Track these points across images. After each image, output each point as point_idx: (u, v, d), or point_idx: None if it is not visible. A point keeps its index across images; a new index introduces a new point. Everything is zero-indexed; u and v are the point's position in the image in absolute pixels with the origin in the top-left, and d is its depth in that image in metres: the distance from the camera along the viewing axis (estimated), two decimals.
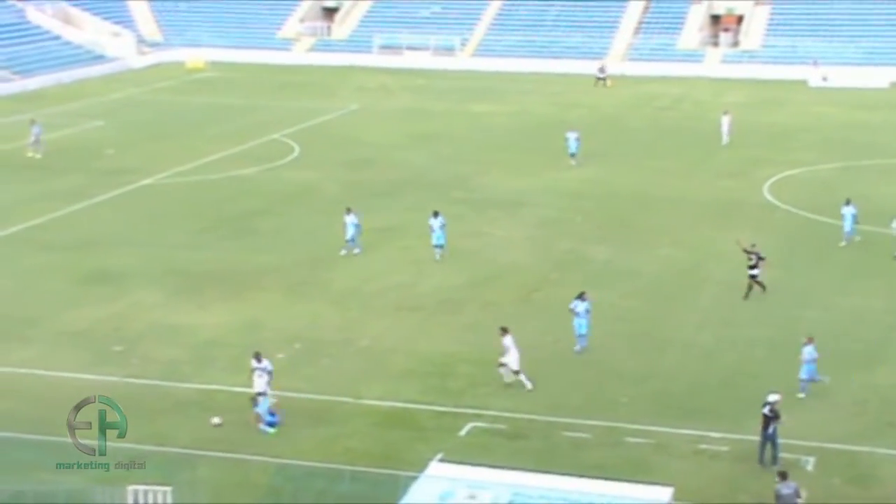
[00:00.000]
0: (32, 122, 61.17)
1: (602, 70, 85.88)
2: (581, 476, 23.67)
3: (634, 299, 37.86)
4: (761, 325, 35.69)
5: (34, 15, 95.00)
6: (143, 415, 29.22)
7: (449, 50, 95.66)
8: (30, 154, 59.29)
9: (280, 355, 33.19)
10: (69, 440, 26.64)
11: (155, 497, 23.86)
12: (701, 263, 41.97)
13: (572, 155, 57.57)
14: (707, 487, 25.50)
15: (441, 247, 42.28)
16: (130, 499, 23.89)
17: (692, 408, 29.76)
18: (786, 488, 23.48)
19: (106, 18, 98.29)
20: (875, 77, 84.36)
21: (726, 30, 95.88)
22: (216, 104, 77.06)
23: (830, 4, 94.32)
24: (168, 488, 23.95)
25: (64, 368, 32.34)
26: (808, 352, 30.26)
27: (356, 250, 42.55)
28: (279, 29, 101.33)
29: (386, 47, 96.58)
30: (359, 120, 71.71)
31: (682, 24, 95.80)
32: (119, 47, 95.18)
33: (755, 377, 31.00)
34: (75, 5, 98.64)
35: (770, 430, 26.53)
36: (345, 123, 70.64)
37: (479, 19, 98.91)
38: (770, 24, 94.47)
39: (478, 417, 29.19)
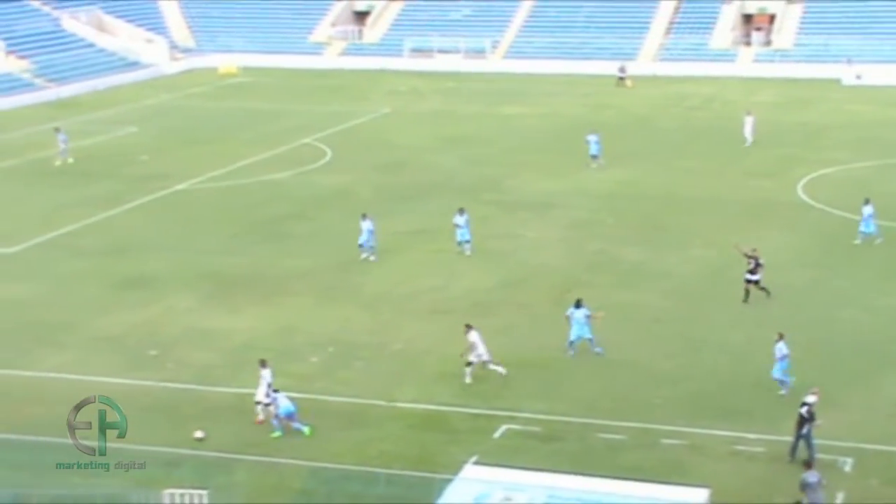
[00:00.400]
0: (57, 130, 61.53)
1: (622, 70, 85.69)
2: (616, 478, 23.60)
3: (667, 300, 37.72)
4: (796, 325, 35.40)
5: (69, 23, 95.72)
6: (179, 419, 29.44)
7: (479, 52, 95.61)
8: (58, 162, 59.63)
9: (313, 359, 33.34)
10: (107, 444, 26.88)
11: (191, 500, 23.99)
12: (733, 264, 41.63)
13: (593, 157, 57.43)
14: (744, 489, 25.38)
15: (467, 242, 42.91)
16: (167, 501, 24.03)
17: (727, 409, 29.62)
18: (811, 476, 23.78)
19: (139, 25, 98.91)
20: None
21: (758, 29, 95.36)
22: (248, 109, 77.38)
23: (864, 2, 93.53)
24: (204, 491, 24.09)
25: (99, 373, 32.54)
26: (779, 349, 30.25)
27: (371, 257, 42.41)
28: (310, 33, 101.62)
29: (417, 50, 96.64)
30: (390, 123, 71.83)
31: (713, 23, 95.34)
32: (152, 54, 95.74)
33: (790, 378, 30.78)
34: (109, 13, 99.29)
35: (805, 430, 26.39)
36: (376, 127, 70.77)
37: (509, 21, 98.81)
38: (802, 23, 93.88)
39: (512, 419, 29.17)
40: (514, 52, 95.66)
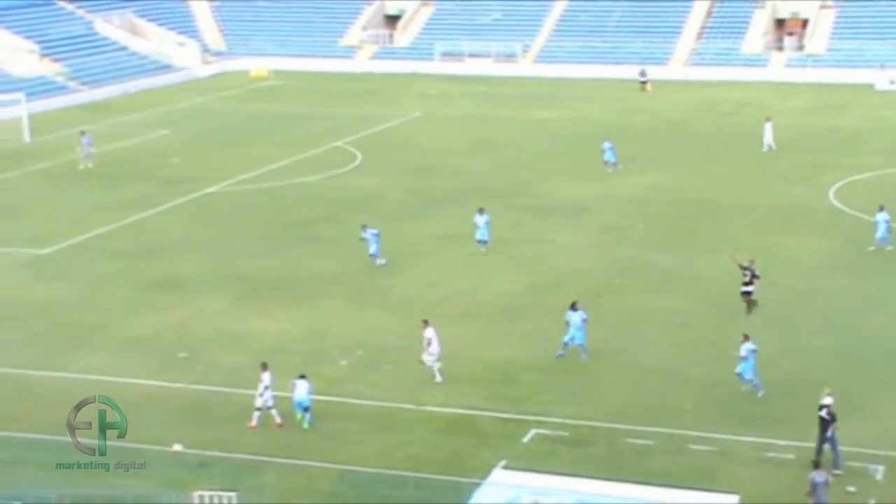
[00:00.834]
0: (83, 133, 61.90)
1: (643, 74, 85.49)
2: (645, 483, 23.55)
3: (698, 306, 37.58)
4: (827, 331, 35.27)
5: (102, 26, 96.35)
6: (209, 421, 29.58)
7: (510, 56, 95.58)
8: (81, 166, 60.00)
9: (343, 362, 33.42)
10: (135, 445, 27.06)
11: (220, 501, 24.08)
12: (765, 270, 41.42)
13: (607, 163, 57.31)
14: (773, 495, 25.25)
15: (484, 242, 43.43)
16: (196, 503, 24.13)
17: (757, 415, 29.48)
18: (819, 476, 23.93)
19: (171, 29, 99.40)
20: None
21: (791, 33, 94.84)
22: (279, 112, 77.65)
23: None
24: (233, 493, 24.19)
25: (130, 375, 32.74)
26: (745, 349, 30.45)
27: (381, 261, 42.25)
28: (342, 37, 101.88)
29: (448, 54, 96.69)
30: (421, 127, 71.92)
31: (745, 28, 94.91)
32: (184, 57, 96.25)
33: (821, 384, 30.44)
34: (142, 16, 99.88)
35: (829, 432, 26.28)
36: (407, 131, 70.87)
37: (540, 25, 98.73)
38: (836, 28, 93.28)
39: (541, 424, 29.14)
40: (545, 57, 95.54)
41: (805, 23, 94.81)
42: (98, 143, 63.12)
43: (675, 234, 46.44)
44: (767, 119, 63.06)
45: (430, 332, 32.07)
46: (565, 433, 28.68)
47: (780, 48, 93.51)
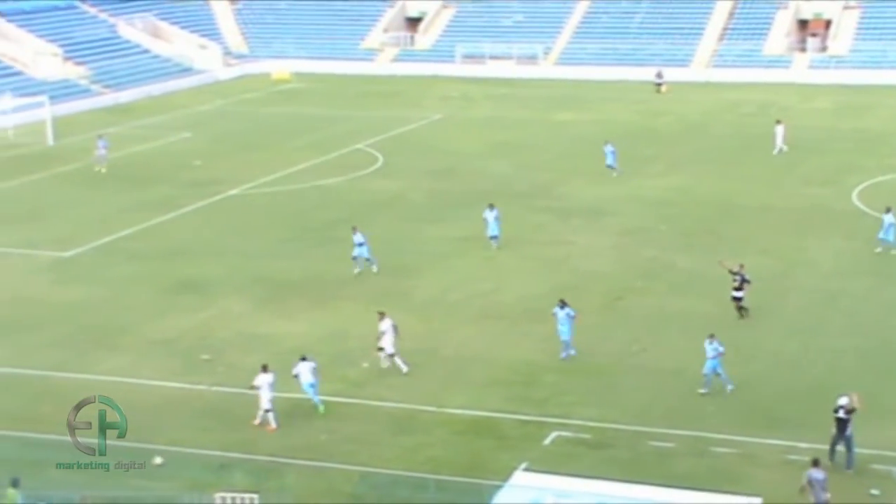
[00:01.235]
0: (100, 136, 62.11)
1: (659, 75, 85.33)
2: (667, 486, 23.49)
3: (720, 308, 37.41)
4: (850, 334, 35.11)
5: (125, 30, 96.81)
6: (231, 422, 29.67)
7: (532, 58, 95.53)
8: (96, 169, 60.27)
9: (364, 364, 33.45)
10: (158, 447, 27.20)
11: (242, 503, 24.13)
12: (788, 272, 41.41)
13: (609, 167, 57.14)
14: (795, 498, 25.08)
15: (496, 238, 44.17)
16: None
17: (780, 418, 29.38)
18: (818, 474, 24.11)
19: (194, 32, 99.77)
20: None
21: (814, 34, 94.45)
22: (301, 115, 77.83)
23: None
24: (255, 495, 24.25)
25: (153, 377, 32.90)
26: (711, 349, 30.78)
27: (357, 269, 41.98)
28: (363, 39, 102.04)
29: (469, 56, 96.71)
30: (442, 129, 71.94)
31: (768, 29, 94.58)
32: (206, 60, 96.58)
33: (844, 387, 30.27)
34: (164, 19, 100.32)
35: (848, 431, 26.23)
36: (428, 133, 70.92)
37: (562, 27, 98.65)
38: (859, 29, 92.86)
39: (562, 426, 29.11)
40: (567, 58, 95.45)
41: (828, 24, 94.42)
42: (121, 145, 63.47)
43: (697, 235, 46.31)
44: (778, 122, 62.72)
45: (385, 325, 32.79)
46: (587, 435, 28.64)
47: (803, 49, 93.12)
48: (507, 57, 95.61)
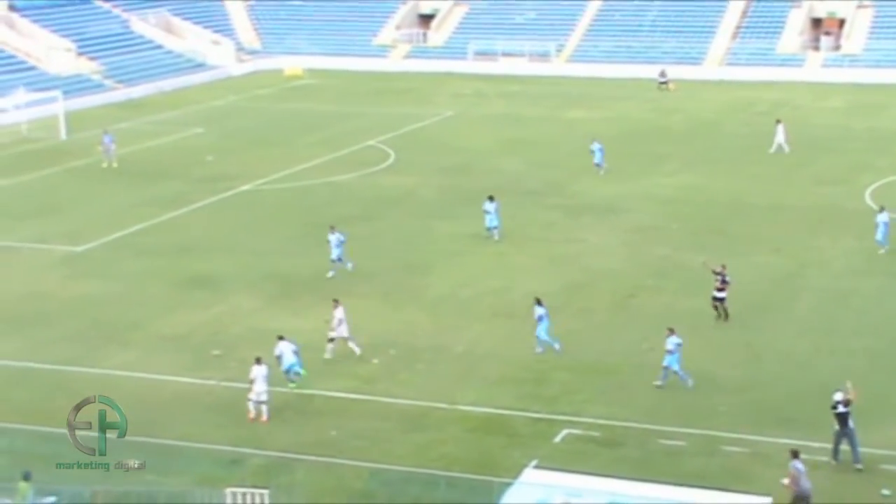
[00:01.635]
0: (105, 132, 62.17)
1: (663, 74, 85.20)
2: (677, 484, 23.48)
3: (732, 307, 37.34)
4: (862, 334, 35.03)
5: (138, 25, 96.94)
6: (241, 418, 29.72)
7: (544, 56, 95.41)
8: (104, 164, 60.39)
9: (375, 360, 33.49)
10: (169, 442, 27.26)
11: (253, 499, 24.19)
12: (799, 271, 41.33)
13: (597, 165, 57.02)
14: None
15: (496, 228, 44.95)
16: (229, 500, 24.25)
17: (791, 417, 29.33)
18: (801, 465, 24.43)
19: (206, 27, 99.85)
20: None
21: (827, 33, 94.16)
22: (314, 111, 77.89)
23: None
24: (266, 490, 24.29)
25: (164, 372, 32.98)
26: (671, 342, 31.08)
27: (348, 265, 41.79)
28: (375, 36, 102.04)
29: (481, 54, 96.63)
30: (454, 126, 71.92)
31: (781, 27, 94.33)
32: (219, 55, 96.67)
33: (855, 387, 30.39)
34: (177, 15, 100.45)
35: (850, 424, 26.26)
36: (440, 130, 70.90)
37: (574, 25, 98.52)
38: (873, 27, 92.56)
39: (572, 424, 29.11)
40: (579, 56, 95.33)
41: (842, 22, 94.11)
42: (133, 141, 63.57)
43: (709, 234, 46.23)
44: (778, 121, 62.51)
45: (339, 313, 33.57)
46: (597, 433, 28.64)
47: (817, 48, 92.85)
48: (520, 54, 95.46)
